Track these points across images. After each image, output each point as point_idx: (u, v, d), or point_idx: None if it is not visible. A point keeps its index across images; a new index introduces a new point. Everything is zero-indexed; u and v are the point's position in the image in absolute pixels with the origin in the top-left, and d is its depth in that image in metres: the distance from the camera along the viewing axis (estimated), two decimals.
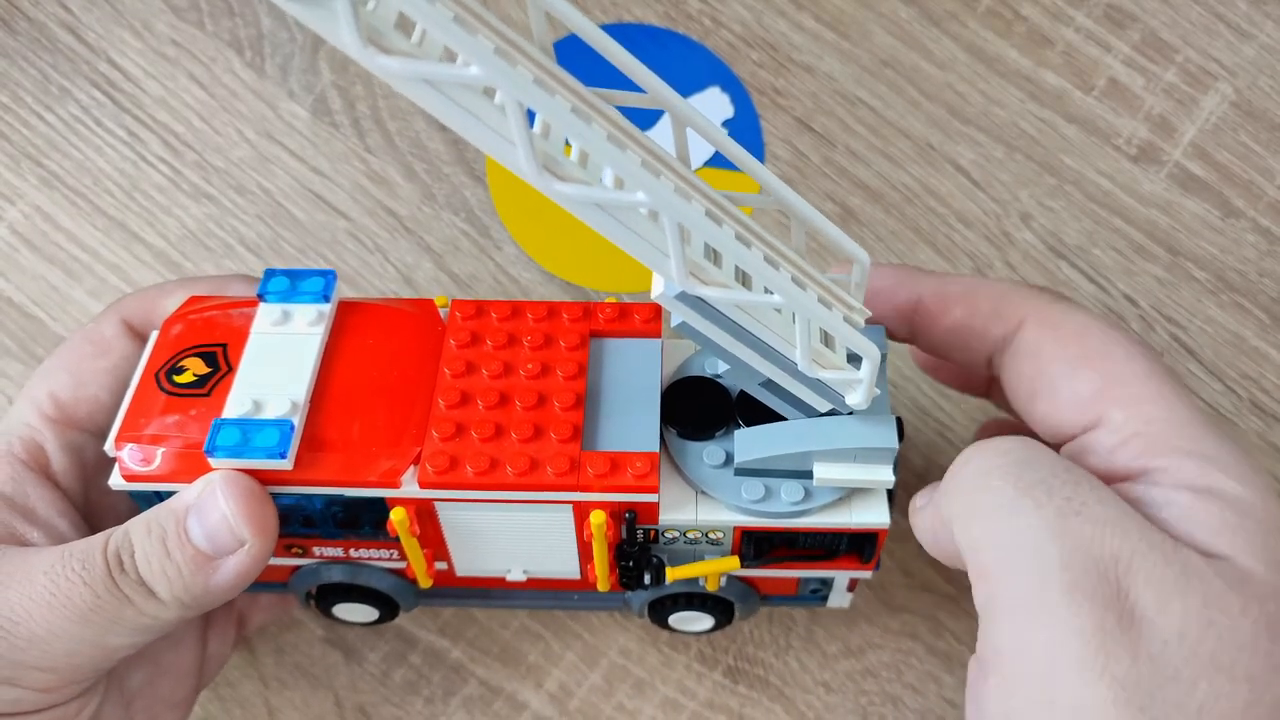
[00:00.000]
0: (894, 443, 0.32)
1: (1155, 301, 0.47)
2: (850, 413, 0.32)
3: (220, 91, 0.50)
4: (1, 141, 0.49)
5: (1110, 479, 0.29)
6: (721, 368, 0.35)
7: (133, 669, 0.36)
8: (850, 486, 0.33)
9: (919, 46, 0.51)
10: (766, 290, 0.29)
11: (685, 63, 0.50)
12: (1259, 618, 0.25)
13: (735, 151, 0.29)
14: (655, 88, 0.27)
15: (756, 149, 0.49)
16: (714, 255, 0.29)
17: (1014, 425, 0.38)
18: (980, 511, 0.28)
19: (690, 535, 0.34)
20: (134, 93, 0.49)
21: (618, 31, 0.50)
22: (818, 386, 0.31)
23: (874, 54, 0.50)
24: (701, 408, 0.34)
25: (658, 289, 0.29)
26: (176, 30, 0.50)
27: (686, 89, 0.50)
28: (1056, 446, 0.31)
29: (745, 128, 0.50)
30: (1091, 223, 0.48)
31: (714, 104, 0.50)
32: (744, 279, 0.29)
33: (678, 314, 0.29)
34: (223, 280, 0.38)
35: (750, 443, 0.33)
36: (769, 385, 0.32)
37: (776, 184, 0.29)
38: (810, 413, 0.33)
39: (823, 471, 0.32)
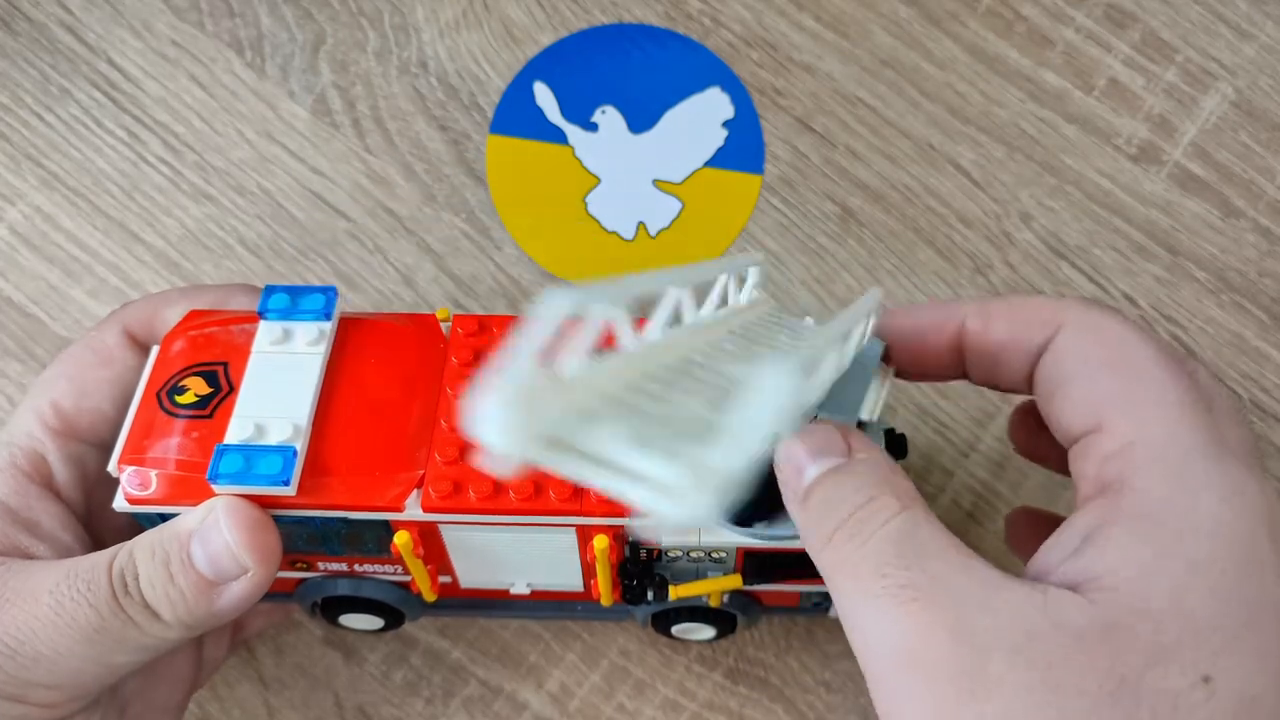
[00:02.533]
0: (880, 344, 0.33)
1: (1155, 301, 0.47)
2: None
3: (220, 92, 0.50)
4: (1, 142, 0.49)
5: (1096, 486, 0.28)
6: None
7: (127, 677, 0.36)
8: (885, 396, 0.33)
9: (919, 46, 0.51)
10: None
11: (685, 63, 0.50)
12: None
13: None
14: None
15: (757, 149, 0.49)
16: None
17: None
18: (837, 598, 0.28)
19: (693, 555, 0.34)
20: (134, 93, 0.49)
21: (617, 31, 0.50)
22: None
23: (874, 54, 0.50)
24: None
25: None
26: (176, 30, 0.50)
27: (686, 89, 0.50)
28: (1065, 449, 0.30)
29: (745, 128, 0.50)
30: (1092, 223, 0.48)
31: (714, 104, 0.50)
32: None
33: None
34: (226, 291, 0.37)
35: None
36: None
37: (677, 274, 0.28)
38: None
39: (867, 412, 0.33)
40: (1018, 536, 0.40)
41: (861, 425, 0.33)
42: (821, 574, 0.28)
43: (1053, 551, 0.27)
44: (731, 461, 0.18)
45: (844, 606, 0.27)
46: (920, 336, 0.33)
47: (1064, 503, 0.44)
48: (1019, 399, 0.38)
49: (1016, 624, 0.25)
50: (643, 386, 0.22)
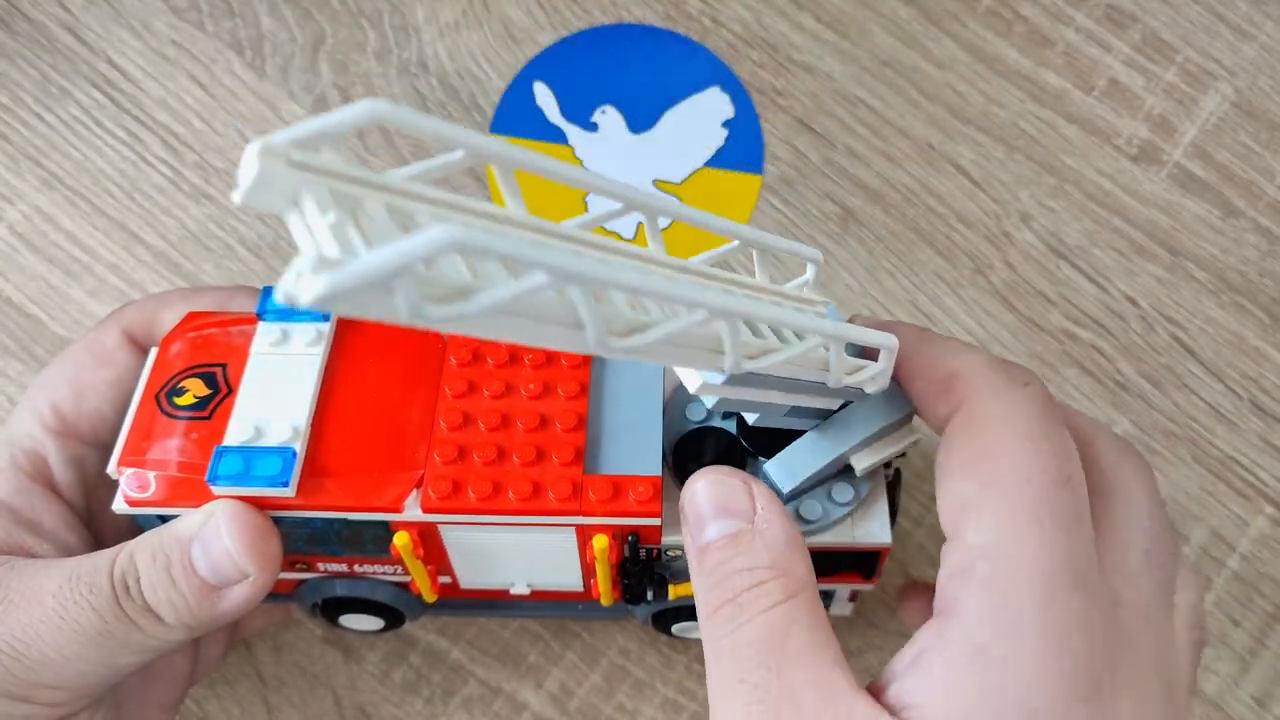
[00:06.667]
0: (910, 406, 0.32)
1: (1155, 301, 0.47)
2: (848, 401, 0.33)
3: (220, 92, 0.50)
4: (1, 142, 0.49)
5: (939, 602, 0.27)
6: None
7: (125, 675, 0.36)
8: (890, 459, 0.33)
9: (919, 46, 0.50)
10: (792, 335, 0.29)
11: (685, 63, 0.50)
12: None
13: (703, 219, 0.28)
14: (631, 198, 0.27)
15: (757, 149, 0.49)
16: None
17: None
18: (707, 673, 0.28)
19: None
20: (134, 93, 0.49)
21: (618, 31, 0.50)
22: (841, 392, 0.31)
23: (874, 54, 0.50)
24: (716, 459, 0.34)
25: (699, 381, 0.28)
26: (176, 30, 0.50)
27: (686, 89, 0.50)
28: None
29: (745, 128, 0.50)
30: (1092, 223, 0.48)
31: (714, 104, 0.50)
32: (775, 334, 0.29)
33: (720, 395, 0.29)
34: (226, 292, 0.37)
35: (789, 469, 0.33)
36: (791, 410, 0.32)
37: (738, 229, 0.29)
38: (825, 414, 0.33)
39: (861, 462, 0.33)
40: (906, 610, 0.40)
41: (849, 469, 0.33)
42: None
43: (896, 663, 0.27)
44: (363, 266, 0.18)
45: (709, 686, 0.28)
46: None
47: None
48: None
49: None
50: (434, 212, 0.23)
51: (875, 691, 0.27)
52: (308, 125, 0.20)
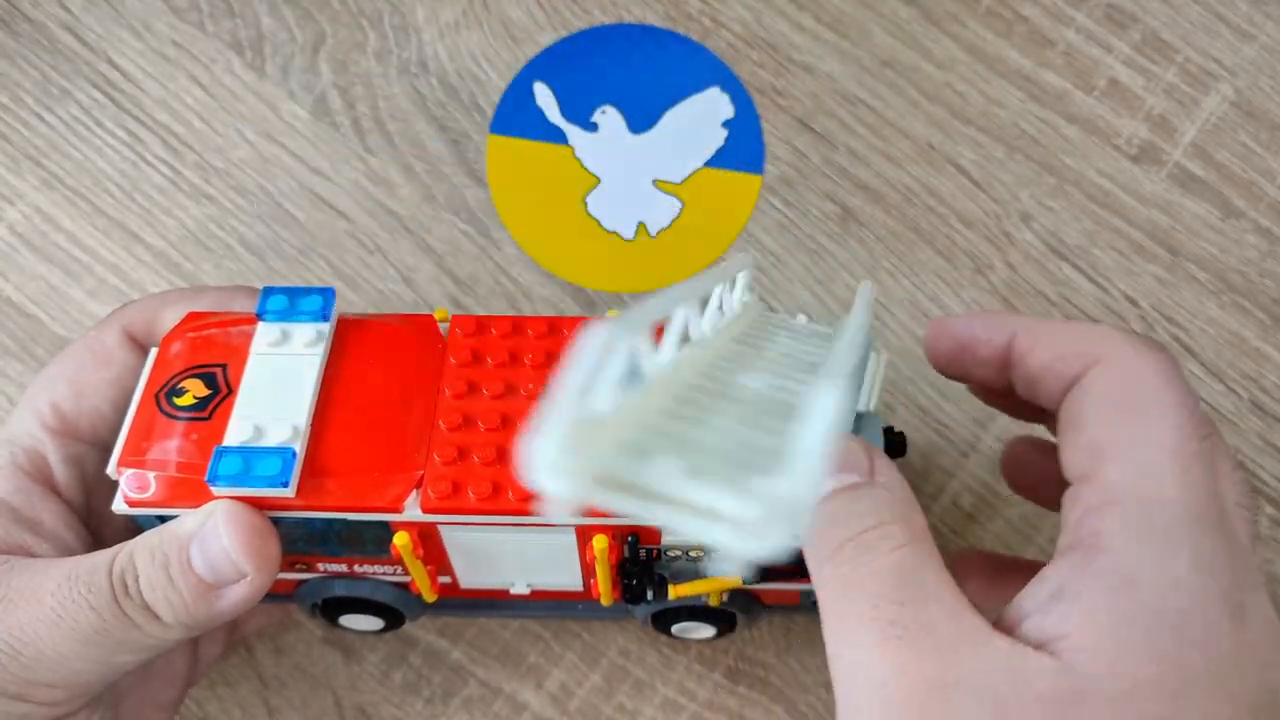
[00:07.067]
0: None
1: (1156, 302, 0.47)
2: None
3: (220, 92, 0.50)
4: (2, 142, 0.49)
5: (1075, 538, 0.28)
6: None
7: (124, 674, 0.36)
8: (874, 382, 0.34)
9: (919, 46, 0.50)
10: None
11: (685, 63, 0.50)
12: None
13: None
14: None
15: (757, 149, 0.49)
16: None
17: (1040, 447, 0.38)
18: (825, 614, 0.28)
19: (693, 554, 0.34)
20: (134, 93, 0.49)
21: (617, 31, 0.50)
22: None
23: (874, 54, 0.50)
24: None
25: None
26: (176, 31, 0.50)
27: (686, 89, 0.50)
28: (1066, 485, 0.30)
29: (745, 128, 0.50)
30: (1092, 223, 0.48)
31: (714, 104, 0.50)
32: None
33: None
34: (227, 292, 0.37)
35: None
36: None
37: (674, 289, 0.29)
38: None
39: (864, 402, 0.34)
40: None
41: (859, 418, 0.33)
42: (816, 590, 0.28)
43: (1026, 600, 0.27)
44: (800, 489, 0.18)
45: (830, 626, 0.27)
46: (971, 347, 0.33)
47: None
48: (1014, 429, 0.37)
49: (991, 684, 0.25)
50: (677, 412, 0.22)
51: (1006, 630, 0.27)
52: (571, 412, 0.18)
